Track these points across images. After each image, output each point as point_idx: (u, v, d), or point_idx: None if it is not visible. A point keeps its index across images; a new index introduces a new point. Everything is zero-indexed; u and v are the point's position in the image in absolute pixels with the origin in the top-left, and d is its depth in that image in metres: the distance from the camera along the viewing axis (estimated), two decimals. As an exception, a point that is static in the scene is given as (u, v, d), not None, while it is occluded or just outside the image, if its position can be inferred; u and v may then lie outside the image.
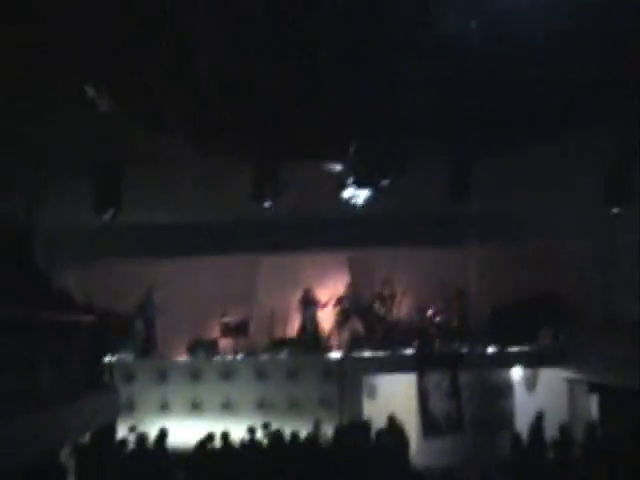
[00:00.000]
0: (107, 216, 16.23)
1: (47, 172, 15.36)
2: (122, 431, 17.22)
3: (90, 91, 11.23)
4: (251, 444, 16.21)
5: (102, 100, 11.41)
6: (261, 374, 19.72)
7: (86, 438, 15.77)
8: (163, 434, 16.17)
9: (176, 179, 16.73)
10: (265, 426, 16.86)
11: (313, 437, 16.80)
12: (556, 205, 18.57)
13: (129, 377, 19.50)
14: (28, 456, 11.69)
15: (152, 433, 16.74)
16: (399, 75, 11.62)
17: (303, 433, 16.71)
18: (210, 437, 16.09)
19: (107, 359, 18.27)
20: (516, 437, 16.70)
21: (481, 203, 17.18)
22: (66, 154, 14.43)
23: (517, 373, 20.46)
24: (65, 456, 15.29)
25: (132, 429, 17.04)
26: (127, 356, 20.03)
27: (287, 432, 16.54)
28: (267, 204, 16.30)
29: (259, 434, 16.51)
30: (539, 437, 16.75)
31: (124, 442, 16.18)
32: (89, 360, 16.38)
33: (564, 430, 16.20)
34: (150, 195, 17.51)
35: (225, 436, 16.02)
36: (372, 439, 16.75)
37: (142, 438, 16.34)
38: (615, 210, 15.93)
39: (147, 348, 20.54)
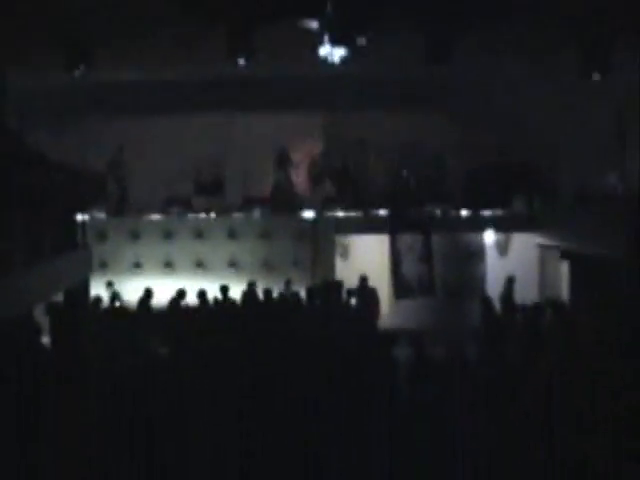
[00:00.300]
0: (78, 73, 16.33)
1: (15, 29, 15.02)
2: (96, 289, 17.51)
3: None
4: (224, 302, 16.34)
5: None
6: (234, 233, 19.87)
7: (59, 296, 15.87)
8: (148, 294, 16.29)
9: (150, 37, 16.50)
10: (250, 285, 16.92)
11: (285, 296, 17.00)
12: (532, 75, 18.60)
13: (102, 236, 19.70)
14: (1, 315, 11.95)
15: (125, 291, 17.20)
16: None
17: (275, 292, 16.78)
18: (181, 294, 16.19)
19: (79, 218, 18.58)
20: (486, 300, 16.62)
21: (459, 67, 17.28)
22: (36, 10, 14.20)
23: (490, 237, 20.70)
24: (39, 314, 15.31)
25: (110, 284, 17.31)
26: (100, 214, 20.13)
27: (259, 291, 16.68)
28: (241, 62, 16.35)
29: (233, 292, 16.57)
30: (509, 301, 16.96)
31: (98, 299, 16.29)
32: (61, 220, 16.68)
33: (537, 307, 16.33)
34: (123, 53, 17.29)
35: (201, 294, 16.12)
36: (344, 298, 16.89)
37: (115, 295, 16.66)
38: (595, 77, 15.99)
39: (119, 207, 20.66)
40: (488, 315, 15.82)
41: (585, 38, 16.25)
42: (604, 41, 15.83)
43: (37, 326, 14.60)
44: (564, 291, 18.42)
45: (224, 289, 16.40)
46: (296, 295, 16.88)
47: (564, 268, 18.77)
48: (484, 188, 20.43)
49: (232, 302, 16.32)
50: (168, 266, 19.76)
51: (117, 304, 16.59)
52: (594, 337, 11.81)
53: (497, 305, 16.77)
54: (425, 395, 9.95)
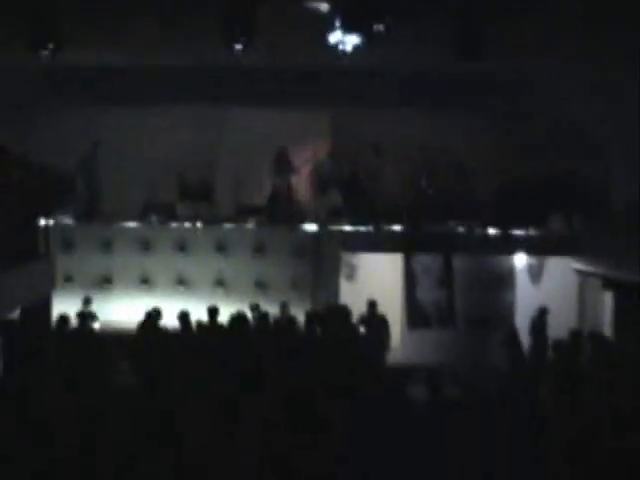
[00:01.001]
0: (45, 54, 15.80)
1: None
2: (59, 307, 16.47)
3: None
4: (211, 326, 15.11)
5: None
6: (223, 246, 19.17)
7: (16, 313, 15.32)
8: (157, 313, 15.21)
9: (130, 15, 16.13)
10: (254, 308, 16.15)
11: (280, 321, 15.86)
12: (578, 74, 17.80)
13: (68, 244, 19.06)
14: None
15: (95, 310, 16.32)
16: None
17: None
18: (156, 314, 15.13)
19: (43, 223, 17.73)
20: (512, 334, 15.63)
21: (488, 62, 16.65)
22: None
23: (521, 261, 19.83)
24: None
25: (87, 301, 16.47)
26: (67, 220, 19.38)
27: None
28: (237, 48, 15.98)
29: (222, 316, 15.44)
30: (541, 338, 16.23)
31: (65, 318, 15.04)
32: (21, 224, 15.90)
33: (574, 336, 15.02)
34: (99, 32, 16.65)
35: (183, 316, 14.93)
36: (349, 327, 15.88)
37: (90, 315, 15.87)
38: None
39: (90, 211, 19.83)
40: (514, 351, 14.85)
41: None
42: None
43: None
44: (606, 326, 17.52)
45: (212, 312, 15.14)
46: (293, 321, 15.63)
47: (607, 299, 17.87)
48: (517, 203, 19.53)
49: (220, 327, 15.07)
50: (145, 282, 19.06)
51: (94, 325, 15.83)
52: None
53: (526, 339, 16.11)
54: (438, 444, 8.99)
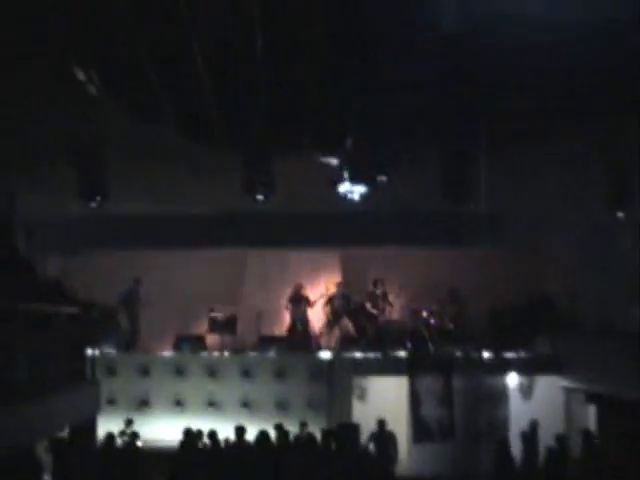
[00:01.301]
0: (94, 204, 15.97)
1: (31, 157, 15.42)
2: (103, 427, 17.03)
3: (79, 74, 11.32)
4: (239, 444, 15.95)
5: (91, 83, 11.55)
6: (248, 372, 19.70)
7: (65, 433, 15.61)
8: (213, 434, 16.06)
9: (165, 169, 16.72)
10: (278, 427, 16.62)
11: (300, 438, 16.75)
12: (555, 208, 18.69)
13: (111, 371, 19.52)
14: (3, 450, 11.64)
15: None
16: (394, 72, 11.78)
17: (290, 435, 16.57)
18: (189, 434, 15.94)
19: (89, 352, 17.97)
20: (503, 442, 16.53)
21: (478, 202, 16.58)
22: (51, 137, 14.48)
23: (513, 380, 20.27)
24: (42, 451, 15.33)
25: (129, 422, 17.26)
26: (110, 350, 20.03)
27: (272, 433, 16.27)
28: (259, 197, 16.08)
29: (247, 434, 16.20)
30: (532, 447, 16.68)
31: (112, 436, 16.24)
32: (71, 353, 16.15)
33: (560, 440, 16.18)
34: (138, 185, 17.55)
35: (212, 435, 15.95)
36: (361, 443, 16.76)
37: (134, 434, 16.60)
38: (619, 214, 16.05)
39: (130, 342, 20.71)
40: (504, 457, 15.57)
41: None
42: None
43: (39, 463, 14.87)
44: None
45: (240, 430, 15.99)
46: (312, 438, 16.52)
47: (591, 413, 18.43)
48: (507, 329, 20.35)
49: (247, 445, 15.87)
50: (178, 404, 19.58)
51: (138, 443, 16.53)
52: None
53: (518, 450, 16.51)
54: None
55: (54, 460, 15.42)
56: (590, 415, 18.52)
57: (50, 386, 14.46)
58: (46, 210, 18.67)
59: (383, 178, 15.92)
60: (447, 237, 20.43)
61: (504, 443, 16.17)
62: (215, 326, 21.10)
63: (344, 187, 16.50)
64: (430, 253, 21.55)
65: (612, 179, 15.66)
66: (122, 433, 16.82)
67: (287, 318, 21.57)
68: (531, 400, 20.08)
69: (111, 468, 15.48)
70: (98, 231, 19.97)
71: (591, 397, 18.29)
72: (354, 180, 16.11)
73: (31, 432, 13.46)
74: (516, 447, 16.80)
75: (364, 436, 17.26)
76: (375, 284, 21.45)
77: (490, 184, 16.39)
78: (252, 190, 16.02)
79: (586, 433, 16.57)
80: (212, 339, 21.00)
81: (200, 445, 16.06)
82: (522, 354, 20.12)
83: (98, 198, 15.87)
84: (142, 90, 12.10)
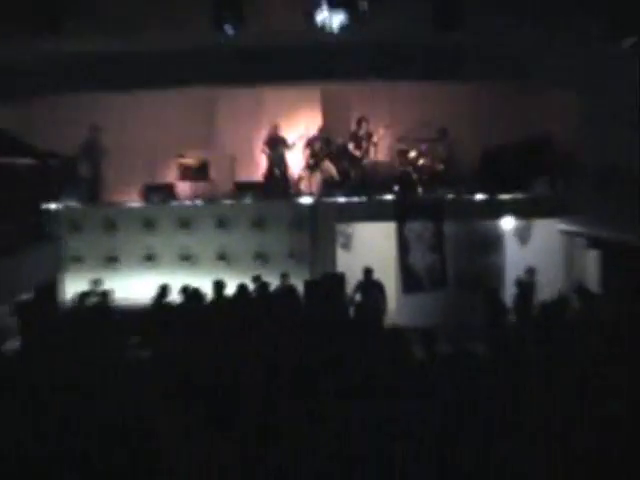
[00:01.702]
0: (47, 43, 15.87)
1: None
2: (71, 286, 16.89)
3: None
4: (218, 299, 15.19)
5: None
6: (223, 222, 19.12)
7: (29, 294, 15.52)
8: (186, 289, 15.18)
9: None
10: (256, 279, 16.11)
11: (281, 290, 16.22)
12: (556, 46, 17.72)
13: (76, 226, 18.90)
14: None
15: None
16: None
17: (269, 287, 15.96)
18: (164, 290, 15.35)
19: (50, 207, 18.01)
20: (491, 291, 15.89)
21: (472, 34, 16.64)
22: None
23: (508, 224, 19.82)
24: (5, 314, 14.84)
25: (96, 282, 16.63)
26: (72, 203, 19.31)
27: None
28: (229, 31, 16.20)
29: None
30: (528, 296, 16.03)
31: (85, 294, 15.68)
32: (30, 208, 16.42)
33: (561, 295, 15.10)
34: (95, 20, 16.64)
35: (186, 290, 15.05)
36: (346, 293, 16.44)
37: (104, 294, 15.97)
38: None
39: (93, 193, 19.85)
40: (494, 307, 14.77)
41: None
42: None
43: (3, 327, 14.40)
44: (592, 284, 17.42)
45: (218, 285, 15.26)
46: (293, 289, 16.06)
47: (593, 258, 18.02)
48: (502, 169, 19.55)
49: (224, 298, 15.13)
50: (149, 259, 19.06)
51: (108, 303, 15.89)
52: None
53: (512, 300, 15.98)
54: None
55: (19, 322, 14.49)
56: (590, 262, 18.19)
57: (9, 245, 14.69)
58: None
59: (364, 5, 16.14)
60: (439, 71, 19.19)
61: (492, 292, 15.53)
62: (185, 173, 20.33)
63: (322, 16, 16.45)
64: (419, 89, 20.45)
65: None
66: (89, 293, 16.05)
67: (264, 162, 20.68)
68: (528, 245, 19.75)
69: (80, 329, 14.34)
70: (52, 74, 18.55)
71: (593, 242, 17.86)
72: (332, 6, 16.11)
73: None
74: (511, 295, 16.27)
75: (350, 286, 16.93)
76: (359, 123, 20.42)
77: (484, 11, 16.34)
78: (220, 22, 16.12)
79: (581, 289, 15.84)
80: (183, 187, 20.25)
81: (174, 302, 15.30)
82: (519, 196, 19.43)
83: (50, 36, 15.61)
84: None
